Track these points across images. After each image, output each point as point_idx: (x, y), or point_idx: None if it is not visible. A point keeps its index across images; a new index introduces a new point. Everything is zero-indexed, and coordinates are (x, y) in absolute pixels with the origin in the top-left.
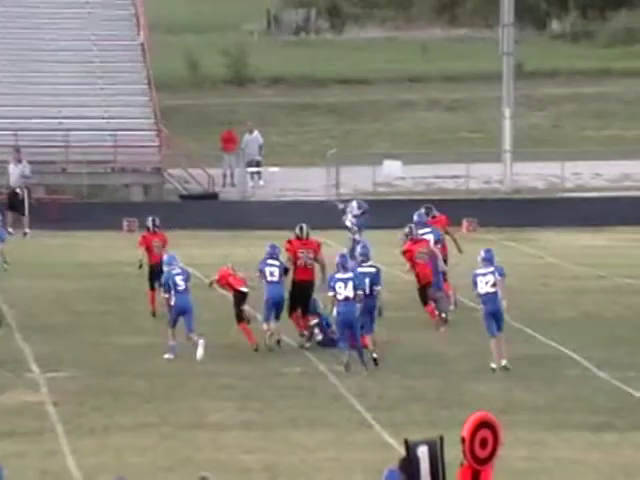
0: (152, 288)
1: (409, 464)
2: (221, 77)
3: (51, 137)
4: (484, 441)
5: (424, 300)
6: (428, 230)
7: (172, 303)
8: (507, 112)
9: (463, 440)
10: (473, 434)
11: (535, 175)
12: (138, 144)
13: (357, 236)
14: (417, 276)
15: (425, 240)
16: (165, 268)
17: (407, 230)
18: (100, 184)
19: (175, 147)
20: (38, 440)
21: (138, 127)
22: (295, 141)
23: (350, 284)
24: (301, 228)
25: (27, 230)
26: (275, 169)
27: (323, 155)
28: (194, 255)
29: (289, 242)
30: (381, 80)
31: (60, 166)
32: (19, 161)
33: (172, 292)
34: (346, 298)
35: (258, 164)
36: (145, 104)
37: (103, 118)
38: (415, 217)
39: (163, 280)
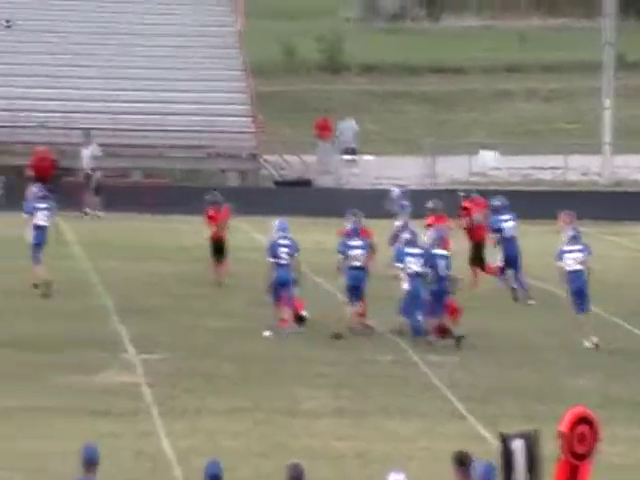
0: (214, 258)
1: (503, 457)
2: (316, 64)
3: (149, 122)
4: (582, 436)
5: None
6: (508, 217)
7: (274, 275)
8: (607, 103)
9: (561, 435)
10: (572, 429)
11: (636, 168)
12: (234, 130)
13: (401, 221)
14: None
15: (444, 218)
16: (275, 234)
17: (430, 205)
18: (196, 169)
19: (270, 133)
20: (133, 420)
21: (234, 113)
22: (389, 129)
23: (420, 260)
24: (355, 214)
25: (87, 210)
26: (370, 157)
27: (418, 144)
28: None
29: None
30: (477, 69)
31: (158, 151)
32: (89, 144)
33: (275, 261)
34: (416, 274)
35: (353, 152)
36: (241, 90)
37: (199, 103)
38: (497, 202)
39: (269, 245)
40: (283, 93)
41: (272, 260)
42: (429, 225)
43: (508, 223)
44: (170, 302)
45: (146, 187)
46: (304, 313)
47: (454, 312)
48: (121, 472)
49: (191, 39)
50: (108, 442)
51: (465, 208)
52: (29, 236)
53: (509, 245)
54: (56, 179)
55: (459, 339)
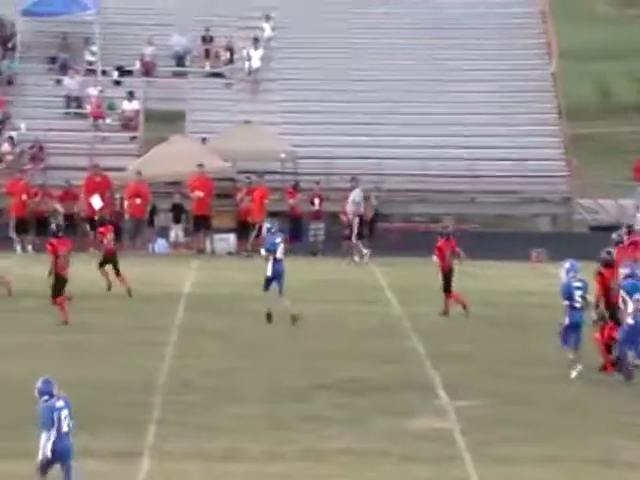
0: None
1: None
2: (634, 104)
3: (460, 167)
4: None
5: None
6: None
7: (567, 318)
8: None
9: None
10: None
11: None
12: (546, 174)
13: None
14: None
15: None
16: (567, 276)
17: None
18: (507, 214)
19: (584, 176)
20: (446, 467)
21: (546, 157)
22: None
23: None
24: (609, 252)
25: (356, 258)
26: None
27: None
28: None
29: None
30: None
31: (468, 196)
32: (354, 189)
33: (569, 303)
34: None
35: None
36: (554, 133)
37: (511, 147)
38: None
39: (563, 287)
40: (598, 135)
41: (567, 303)
42: None
43: None
44: (480, 347)
45: (456, 232)
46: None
47: None
48: None
49: (504, 83)
50: None
51: None
52: (268, 270)
53: None
54: (371, 224)
55: None
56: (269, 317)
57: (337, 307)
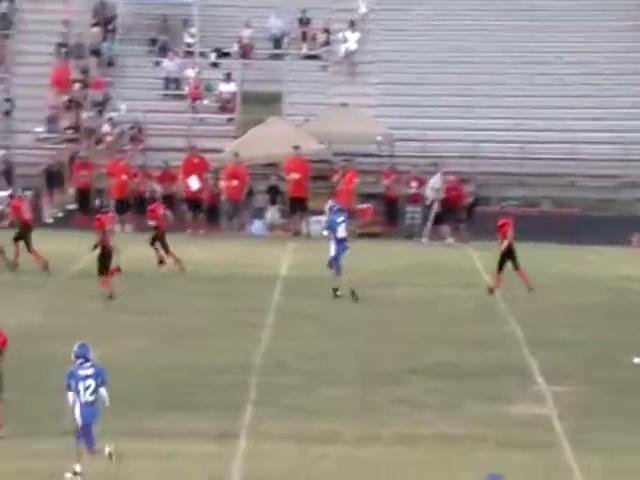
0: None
1: None
2: None
3: (559, 150)
4: None
5: None
6: None
7: None
8: None
9: None
10: None
11: None
12: None
13: None
14: None
15: None
16: None
17: None
18: (609, 198)
19: None
20: (544, 454)
21: None
22: None
23: None
24: None
25: (423, 240)
26: None
27: None
28: None
29: None
30: None
31: (568, 179)
32: (436, 173)
33: None
34: None
35: None
36: None
37: (612, 131)
38: None
39: None
40: None
41: None
42: None
43: None
44: (579, 333)
45: (555, 216)
46: None
47: None
48: None
49: (605, 66)
50: (519, 474)
51: None
52: (332, 249)
53: None
54: (470, 208)
55: None
56: (353, 294)
57: (432, 291)
